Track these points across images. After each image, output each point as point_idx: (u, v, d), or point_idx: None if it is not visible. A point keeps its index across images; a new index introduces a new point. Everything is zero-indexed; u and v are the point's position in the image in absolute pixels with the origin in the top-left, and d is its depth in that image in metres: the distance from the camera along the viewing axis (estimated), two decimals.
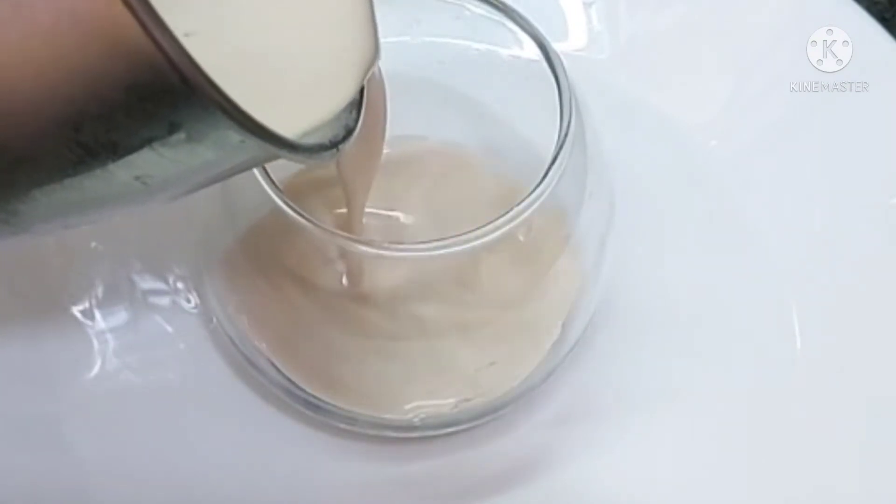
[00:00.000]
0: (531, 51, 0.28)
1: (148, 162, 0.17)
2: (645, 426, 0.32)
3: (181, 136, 0.17)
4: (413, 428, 0.31)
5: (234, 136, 0.17)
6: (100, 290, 0.34)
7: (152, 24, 0.15)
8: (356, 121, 0.23)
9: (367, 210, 0.29)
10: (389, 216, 0.31)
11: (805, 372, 0.33)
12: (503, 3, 0.29)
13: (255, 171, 0.26)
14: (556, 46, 0.28)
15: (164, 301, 0.34)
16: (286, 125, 0.18)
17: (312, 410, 0.31)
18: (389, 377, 0.29)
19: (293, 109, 0.21)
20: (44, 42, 0.16)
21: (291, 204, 0.26)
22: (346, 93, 0.23)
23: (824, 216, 0.35)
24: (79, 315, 0.34)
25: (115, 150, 0.17)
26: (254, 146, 0.17)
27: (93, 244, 0.35)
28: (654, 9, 0.38)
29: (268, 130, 0.17)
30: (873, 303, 0.33)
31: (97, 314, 0.34)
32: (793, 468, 0.31)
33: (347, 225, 0.29)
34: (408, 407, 0.30)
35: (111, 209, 0.20)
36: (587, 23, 0.38)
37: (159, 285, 0.34)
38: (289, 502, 0.31)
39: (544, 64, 0.28)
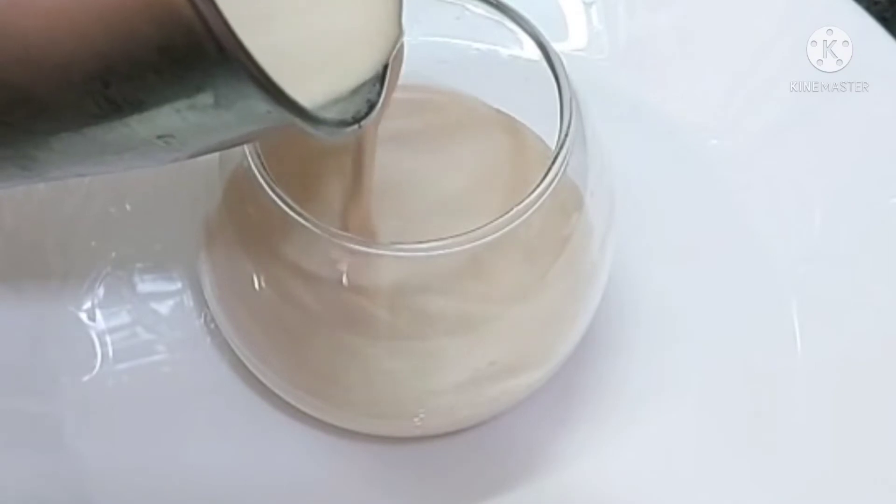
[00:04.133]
0: (531, 51, 0.28)
1: (171, 123, 0.17)
2: (645, 425, 0.32)
3: (209, 101, 0.17)
4: (413, 428, 0.31)
5: (261, 106, 0.17)
6: (101, 291, 0.34)
7: None
8: (379, 94, 0.23)
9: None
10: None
11: (805, 372, 0.33)
12: (503, 3, 0.29)
13: (254, 169, 0.26)
14: (556, 46, 0.28)
15: (165, 301, 0.34)
16: (306, 95, 0.18)
17: (312, 410, 0.31)
18: (389, 376, 0.29)
19: (315, 79, 0.21)
20: None
21: (292, 203, 0.26)
22: (370, 68, 0.23)
23: (824, 216, 0.35)
24: (79, 315, 0.34)
25: (141, 108, 0.17)
26: (279, 117, 0.17)
27: (93, 244, 0.35)
28: (654, 9, 0.38)
29: (296, 104, 0.17)
30: (873, 302, 0.33)
31: (98, 314, 0.34)
32: (793, 468, 0.31)
33: (355, 194, 0.29)
34: (408, 407, 0.30)
35: (127, 162, 0.20)
36: (587, 23, 0.38)
37: (160, 286, 0.34)
38: (288, 502, 0.31)
39: (544, 64, 0.28)
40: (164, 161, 0.20)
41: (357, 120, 0.21)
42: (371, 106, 0.22)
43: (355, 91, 0.22)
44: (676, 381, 0.33)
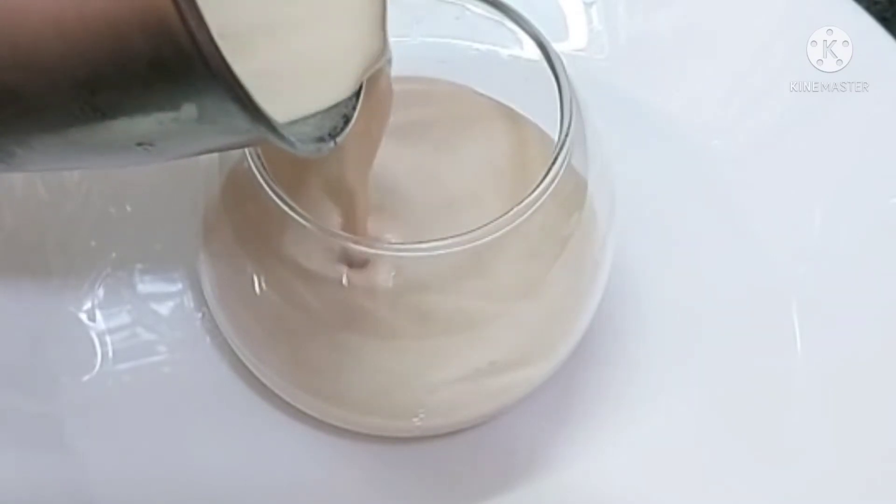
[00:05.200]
0: (531, 51, 0.28)
1: (153, 132, 0.18)
2: (645, 425, 0.32)
3: (192, 115, 0.17)
4: (413, 428, 0.31)
5: (243, 124, 0.17)
6: (101, 291, 0.34)
7: (188, 8, 0.15)
8: (354, 108, 0.23)
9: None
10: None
11: (805, 372, 0.33)
12: (503, 3, 0.29)
13: (254, 169, 0.26)
14: (556, 46, 0.28)
15: (165, 302, 0.34)
16: (285, 112, 0.19)
17: (311, 409, 0.31)
18: (389, 375, 0.29)
19: (295, 98, 0.21)
20: (75, 2, 0.16)
21: (291, 203, 0.26)
22: (349, 87, 0.23)
23: (824, 215, 0.35)
24: (79, 315, 0.34)
25: (126, 116, 0.18)
26: (259, 135, 0.18)
27: (93, 244, 0.35)
28: (654, 9, 0.38)
29: (277, 127, 0.18)
30: (873, 302, 0.33)
31: (98, 314, 0.34)
32: (793, 468, 0.31)
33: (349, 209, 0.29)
34: (408, 406, 0.30)
35: (106, 163, 0.21)
36: (587, 23, 0.38)
37: (160, 286, 0.34)
38: (288, 502, 0.31)
39: (544, 64, 0.28)
40: (142, 164, 0.20)
41: (333, 136, 0.22)
42: (346, 120, 0.23)
43: (333, 107, 0.23)
44: (676, 382, 0.33)
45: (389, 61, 0.25)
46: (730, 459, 0.32)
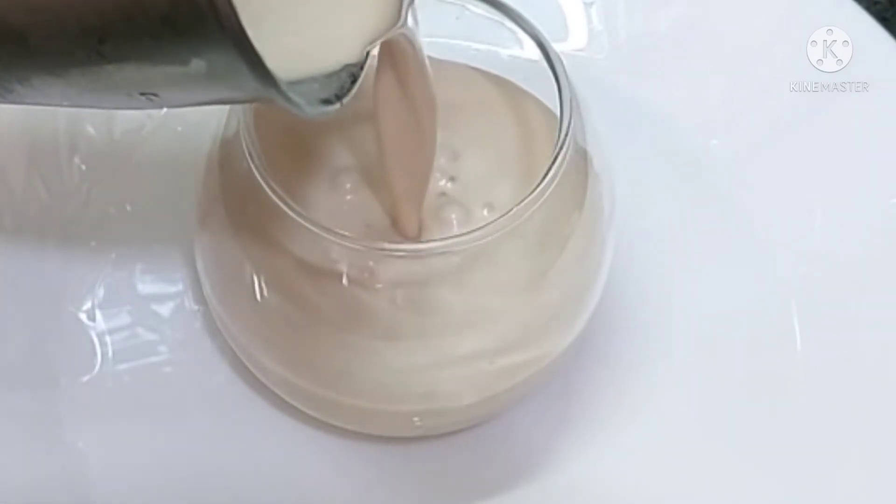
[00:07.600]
0: (531, 51, 0.28)
1: (159, 83, 0.18)
2: (644, 426, 0.32)
3: (200, 71, 0.17)
4: (413, 427, 0.31)
5: (251, 83, 0.17)
6: (100, 291, 0.34)
7: None
8: (362, 68, 0.23)
9: None
10: None
11: (805, 372, 0.33)
12: (503, 3, 0.29)
13: (255, 170, 0.26)
14: (556, 46, 0.28)
15: (165, 302, 0.34)
16: (288, 69, 0.19)
17: (312, 409, 0.31)
18: (389, 373, 0.29)
19: (305, 59, 0.21)
20: None
21: (292, 204, 0.26)
22: (361, 49, 0.23)
23: (824, 216, 0.35)
24: (79, 315, 0.34)
25: (131, 67, 0.17)
26: (265, 93, 0.18)
27: (93, 244, 0.35)
28: (654, 8, 0.38)
29: (284, 89, 0.18)
30: (873, 303, 0.33)
31: (98, 314, 0.34)
32: (793, 468, 0.31)
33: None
34: (408, 404, 0.30)
35: (106, 106, 0.21)
36: (587, 23, 0.38)
37: (160, 286, 0.34)
38: (288, 502, 0.31)
39: (544, 64, 0.28)
40: (142, 109, 0.20)
41: (340, 97, 0.22)
42: (353, 80, 0.22)
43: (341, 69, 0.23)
44: (676, 382, 0.33)
45: (415, 24, 0.25)
46: (729, 459, 0.32)
